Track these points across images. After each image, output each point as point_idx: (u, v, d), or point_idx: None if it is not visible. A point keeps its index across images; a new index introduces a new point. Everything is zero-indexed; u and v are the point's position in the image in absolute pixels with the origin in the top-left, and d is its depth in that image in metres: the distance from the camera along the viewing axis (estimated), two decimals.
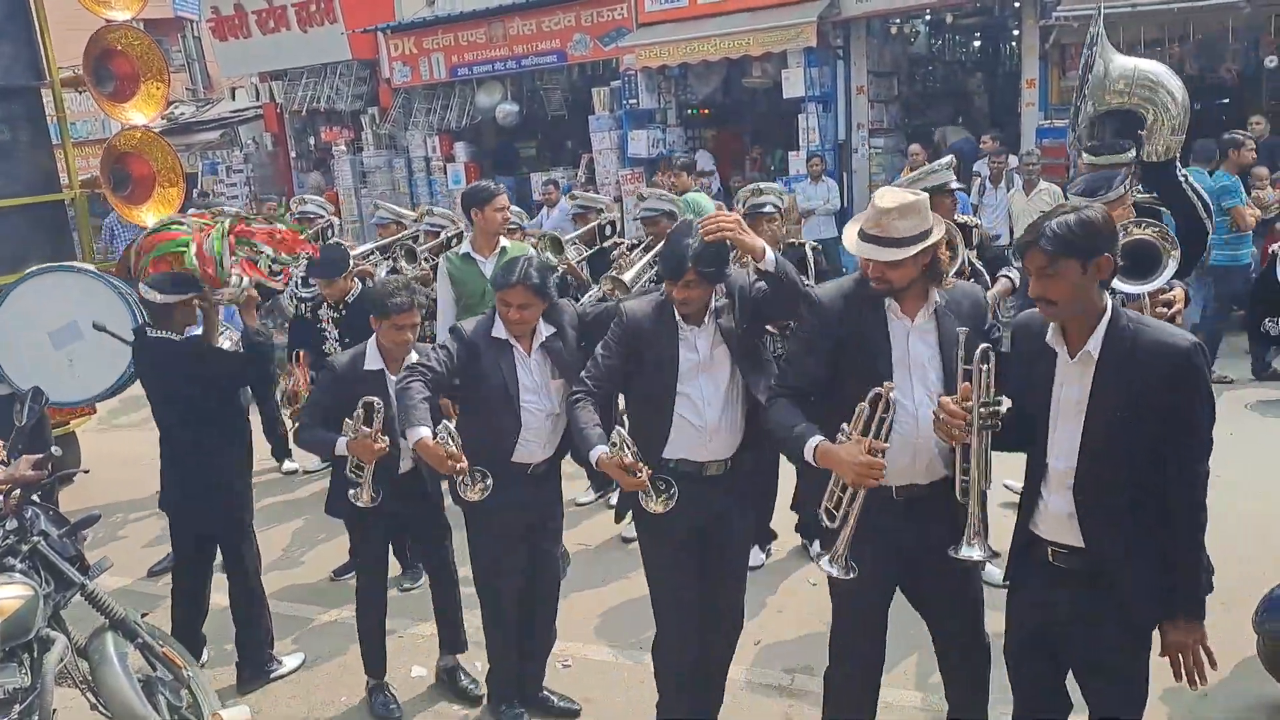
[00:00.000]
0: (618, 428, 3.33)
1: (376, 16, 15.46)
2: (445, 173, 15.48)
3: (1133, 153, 5.03)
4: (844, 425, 2.89)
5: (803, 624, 4.52)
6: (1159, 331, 2.60)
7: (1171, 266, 3.60)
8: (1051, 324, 2.67)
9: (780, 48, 12.27)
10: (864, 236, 2.94)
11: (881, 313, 2.99)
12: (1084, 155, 5.14)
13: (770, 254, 3.25)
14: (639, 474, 3.24)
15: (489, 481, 3.66)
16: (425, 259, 6.24)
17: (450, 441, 3.50)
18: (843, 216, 12.12)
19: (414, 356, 3.99)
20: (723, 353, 3.44)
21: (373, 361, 4.11)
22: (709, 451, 3.44)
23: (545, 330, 3.84)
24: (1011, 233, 9.29)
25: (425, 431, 3.51)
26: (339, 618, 5.01)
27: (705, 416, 3.40)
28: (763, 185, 5.39)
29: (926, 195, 3.01)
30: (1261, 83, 11.22)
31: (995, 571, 3.79)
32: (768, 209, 5.07)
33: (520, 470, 3.80)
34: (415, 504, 4.21)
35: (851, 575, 2.90)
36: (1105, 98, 4.13)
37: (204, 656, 4.57)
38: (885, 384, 2.86)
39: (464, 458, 3.51)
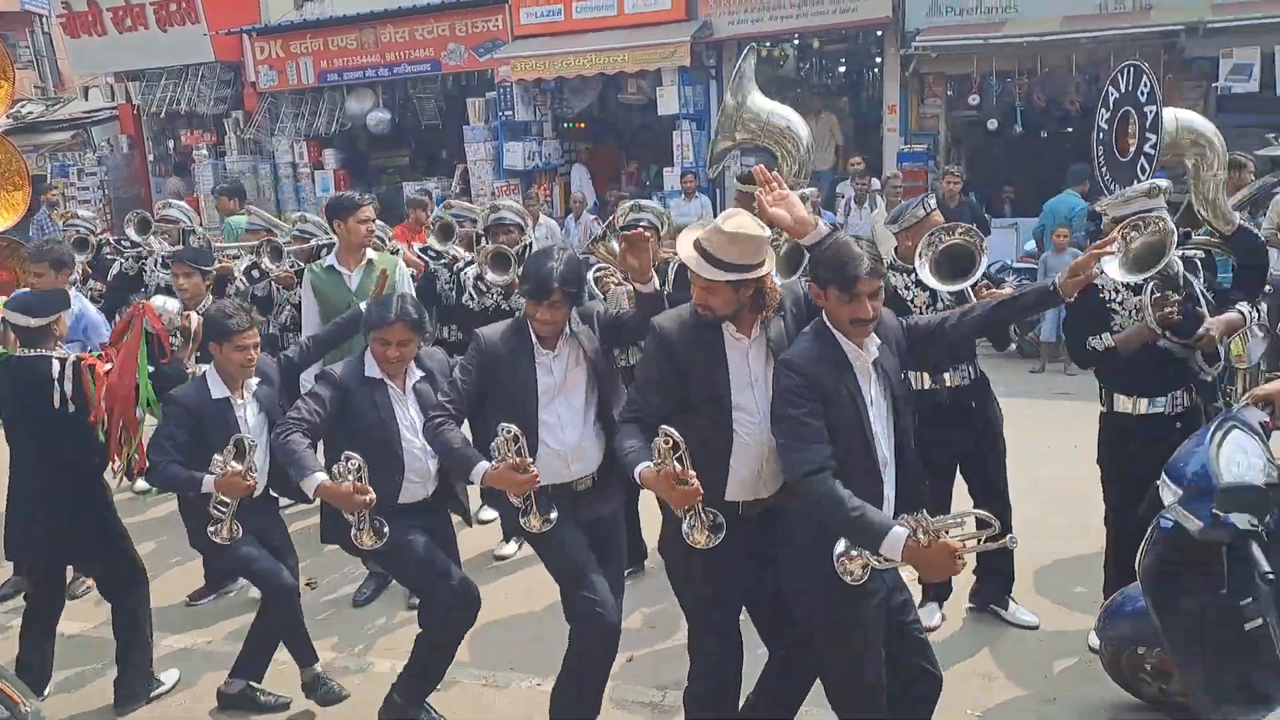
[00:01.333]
0: (503, 432, 3.29)
1: (241, 18, 14.98)
2: (313, 180, 15.09)
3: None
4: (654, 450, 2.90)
5: (676, 639, 4.56)
6: None
7: (983, 264, 4.04)
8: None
9: (655, 65, 12.44)
10: (696, 246, 3.00)
11: (719, 334, 3.05)
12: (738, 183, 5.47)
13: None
14: (530, 471, 3.25)
15: (385, 529, 3.60)
16: (291, 263, 6.09)
17: (350, 475, 3.43)
18: None
19: (254, 383, 4.03)
20: (578, 375, 3.48)
21: (217, 389, 4.00)
22: (572, 472, 3.49)
23: (416, 373, 3.84)
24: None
25: (321, 476, 3.47)
26: (193, 645, 4.80)
27: (564, 440, 3.44)
28: (641, 202, 5.43)
29: (769, 234, 3.06)
30: None
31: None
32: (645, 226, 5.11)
33: (406, 508, 3.79)
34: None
35: (719, 538, 2.96)
36: (735, 133, 4.52)
37: (47, 690, 4.32)
38: (662, 428, 2.88)
39: (369, 489, 3.45)
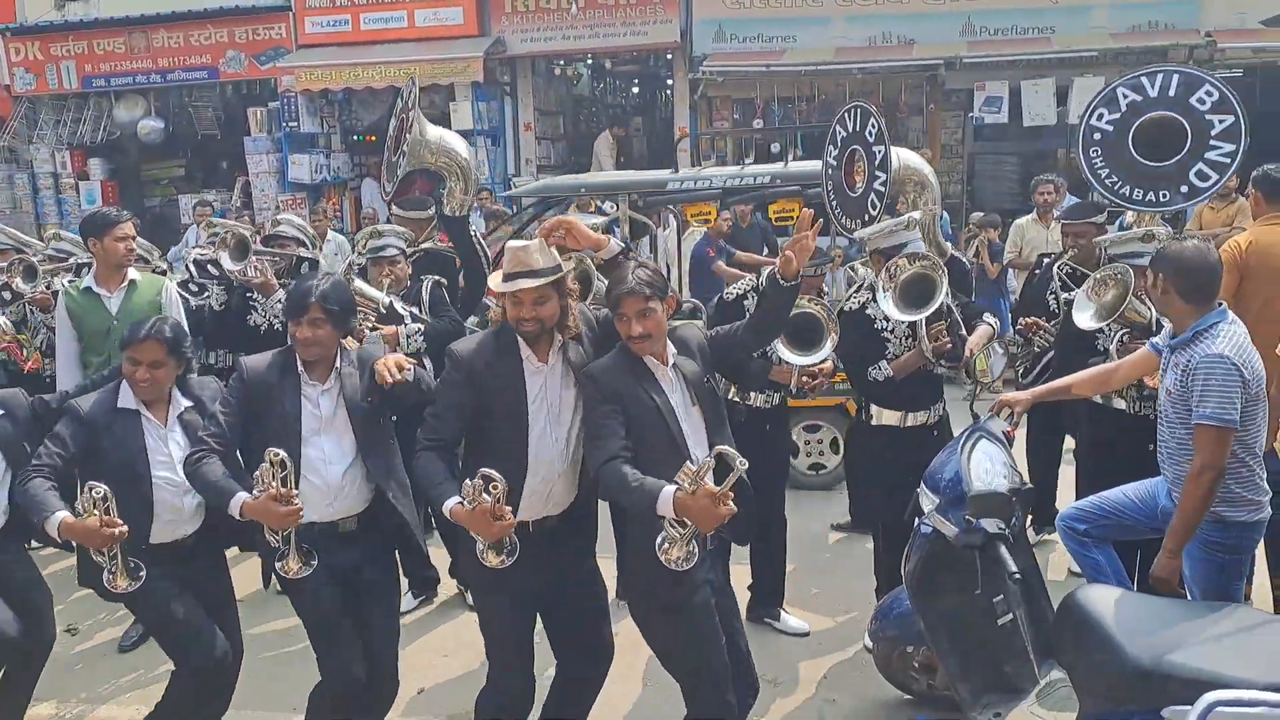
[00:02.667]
0: (269, 456, 3.11)
1: None
2: (78, 191, 13.96)
3: (433, 209, 5.96)
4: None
5: (468, 668, 4.48)
6: None
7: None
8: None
9: (447, 80, 12.29)
10: (510, 277, 3.08)
11: (519, 360, 3.15)
12: (393, 208, 5.97)
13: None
14: (294, 503, 3.11)
15: (142, 572, 3.33)
16: (47, 282, 5.60)
17: (95, 508, 3.14)
18: None
19: None
20: (346, 413, 3.38)
21: None
22: (336, 510, 3.37)
23: (183, 402, 3.57)
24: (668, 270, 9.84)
25: (63, 514, 3.20)
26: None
27: (327, 477, 3.32)
28: (382, 228, 5.35)
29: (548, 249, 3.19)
30: None
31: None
32: (389, 252, 5.04)
33: (164, 550, 3.50)
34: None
35: (514, 559, 3.05)
36: (424, 156, 5.13)
37: None
38: (484, 471, 2.95)
39: (117, 520, 3.16)
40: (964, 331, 4.28)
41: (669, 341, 3.20)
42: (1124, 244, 4.50)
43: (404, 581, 4.48)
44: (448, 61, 12.13)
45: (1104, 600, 3.09)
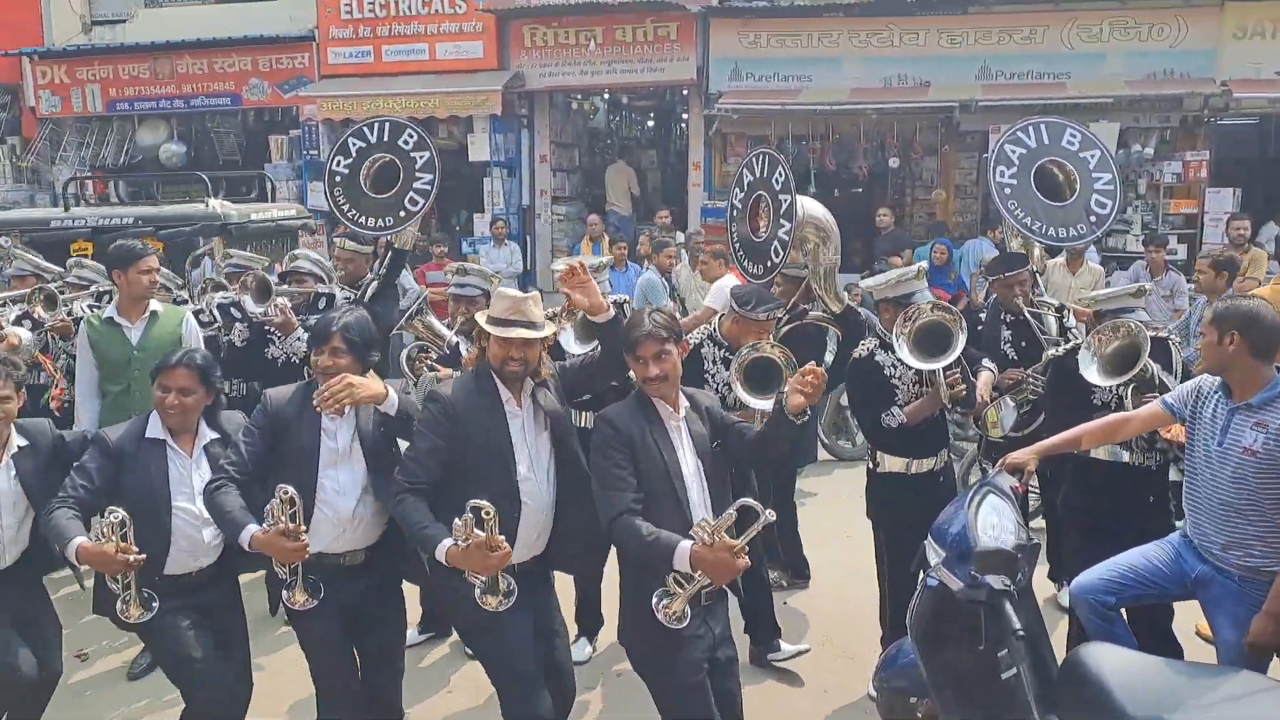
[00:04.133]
0: (279, 493, 3.16)
1: (21, 39, 13.96)
2: None
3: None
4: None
5: (471, 704, 4.49)
6: None
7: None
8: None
9: (466, 112, 12.45)
10: (501, 323, 3.19)
11: (500, 405, 3.24)
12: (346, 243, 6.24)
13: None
14: (301, 539, 3.16)
15: (155, 602, 3.39)
16: (68, 310, 5.68)
17: (112, 533, 3.20)
18: (525, 279, 12.40)
19: (17, 445, 3.64)
20: (360, 445, 3.44)
21: None
22: (346, 542, 3.42)
23: (208, 434, 3.63)
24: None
25: (81, 539, 3.25)
26: None
27: (339, 508, 3.37)
28: (468, 265, 5.33)
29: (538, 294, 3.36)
30: (887, 179, 12.79)
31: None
32: (470, 291, 4.89)
33: (179, 582, 3.54)
34: None
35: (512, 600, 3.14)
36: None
37: None
38: (473, 503, 3.01)
39: (133, 547, 3.23)
40: (974, 379, 4.31)
41: (682, 393, 3.25)
42: (1116, 300, 4.52)
43: (414, 613, 4.50)
44: (468, 94, 12.29)
45: (1108, 659, 3.09)
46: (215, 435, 3.63)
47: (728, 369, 4.43)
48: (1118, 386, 4.19)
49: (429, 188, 5.29)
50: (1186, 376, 4.14)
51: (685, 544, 2.93)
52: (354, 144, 5.40)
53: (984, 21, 11.40)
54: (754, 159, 4.91)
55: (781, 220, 4.58)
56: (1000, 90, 11.30)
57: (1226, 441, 3.36)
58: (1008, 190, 4.94)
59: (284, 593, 3.32)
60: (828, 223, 4.82)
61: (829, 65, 11.85)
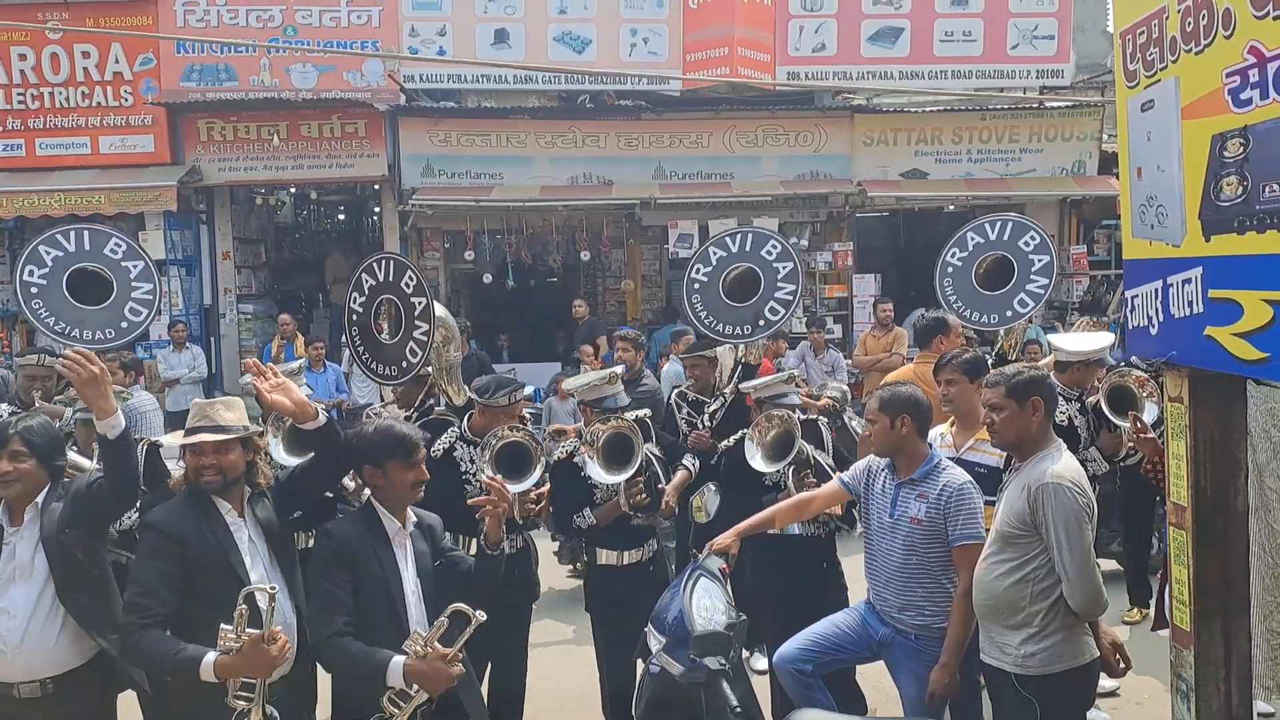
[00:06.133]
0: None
1: None
2: None
3: None
4: (223, 627, 2.86)
5: None
6: None
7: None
8: None
9: (137, 209, 11.68)
10: (189, 431, 3.17)
11: (221, 519, 3.16)
12: None
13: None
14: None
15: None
16: None
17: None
18: (210, 384, 11.71)
19: None
20: (44, 560, 3.21)
21: None
22: (17, 672, 3.15)
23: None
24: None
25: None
26: None
27: (6, 637, 3.14)
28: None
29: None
30: (579, 270, 13.41)
31: None
32: None
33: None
34: None
35: None
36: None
37: None
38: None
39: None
40: (662, 483, 4.61)
41: (411, 510, 3.32)
42: (770, 388, 4.94)
43: None
44: (140, 190, 11.54)
45: None
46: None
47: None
48: (781, 469, 4.66)
49: (150, 297, 5.31)
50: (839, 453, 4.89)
51: (398, 659, 2.97)
52: (48, 253, 5.08)
53: (657, 127, 12.36)
54: (375, 264, 4.89)
55: (418, 322, 4.64)
56: (675, 189, 12.25)
57: (896, 513, 3.88)
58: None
59: None
60: (451, 324, 5.11)
61: (519, 163, 12.31)
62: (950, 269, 5.82)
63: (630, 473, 4.33)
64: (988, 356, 5.30)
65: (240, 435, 3.16)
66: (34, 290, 5.07)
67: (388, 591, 3.16)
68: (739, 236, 5.58)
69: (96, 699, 3.35)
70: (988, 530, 3.68)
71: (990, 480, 4.06)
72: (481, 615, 2.95)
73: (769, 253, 5.48)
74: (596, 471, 4.35)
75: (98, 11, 11.58)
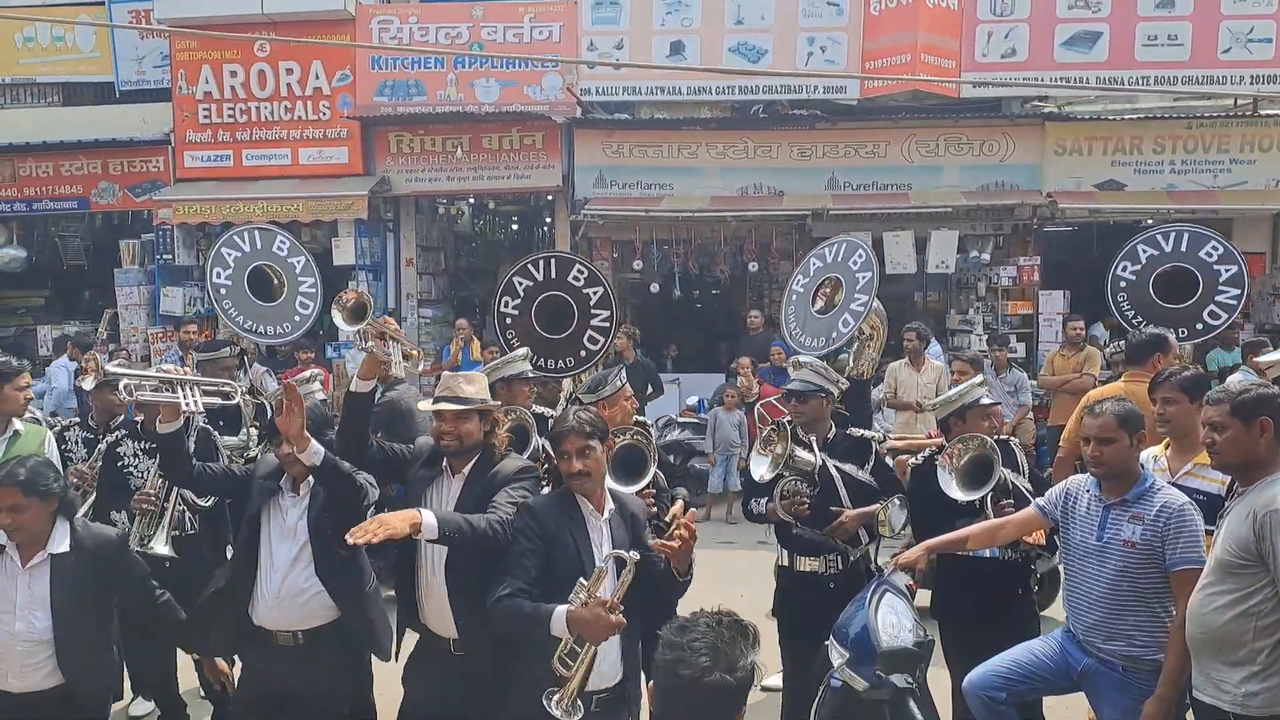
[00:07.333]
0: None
1: None
2: None
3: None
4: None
5: None
6: None
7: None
8: None
9: (331, 217, 12.34)
10: (437, 400, 3.50)
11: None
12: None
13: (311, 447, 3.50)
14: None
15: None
16: None
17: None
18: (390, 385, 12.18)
19: None
20: (306, 527, 3.70)
21: None
22: (276, 619, 3.65)
23: (58, 546, 3.48)
24: None
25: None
26: None
27: (267, 588, 3.65)
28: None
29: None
30: (746, 282, 13.30)
31: None
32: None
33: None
34: None
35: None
36: None
37: None
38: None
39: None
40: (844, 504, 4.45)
41: (608, 495, 3.31)
42: (965, 396, 4.63)
43: None
44: (332, 199, 12.20)
45: None
46: (66, 549, 3.48)
47: None
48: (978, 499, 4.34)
49: (314, 290, 5.41)
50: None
51: (560, 608, 2.96)
52: (229, 254, 5.40)
53: (831, 137, 12.14)
54: (532, 264, 5.21)
55: (594, 311, 4.90)
56: (848, 200, 11.99)
57: (1105, 536, 3.59)
58: (1123, 284, 5.77)
59: None
60: (883, 313, 5.30)
61: (689, 174, 12.34)
62: (1124, 283, 5.55)
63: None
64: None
65: (477, 407, 3.46)
66: (223, 291, 5.37)
67: (581, 574, 3.12)
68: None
69: (343, 657, 3.69)
70: None
71: (1210, 508, 3.68)
72: (635, 555, 2.93)
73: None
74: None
75: (301, 30, 12.33)
